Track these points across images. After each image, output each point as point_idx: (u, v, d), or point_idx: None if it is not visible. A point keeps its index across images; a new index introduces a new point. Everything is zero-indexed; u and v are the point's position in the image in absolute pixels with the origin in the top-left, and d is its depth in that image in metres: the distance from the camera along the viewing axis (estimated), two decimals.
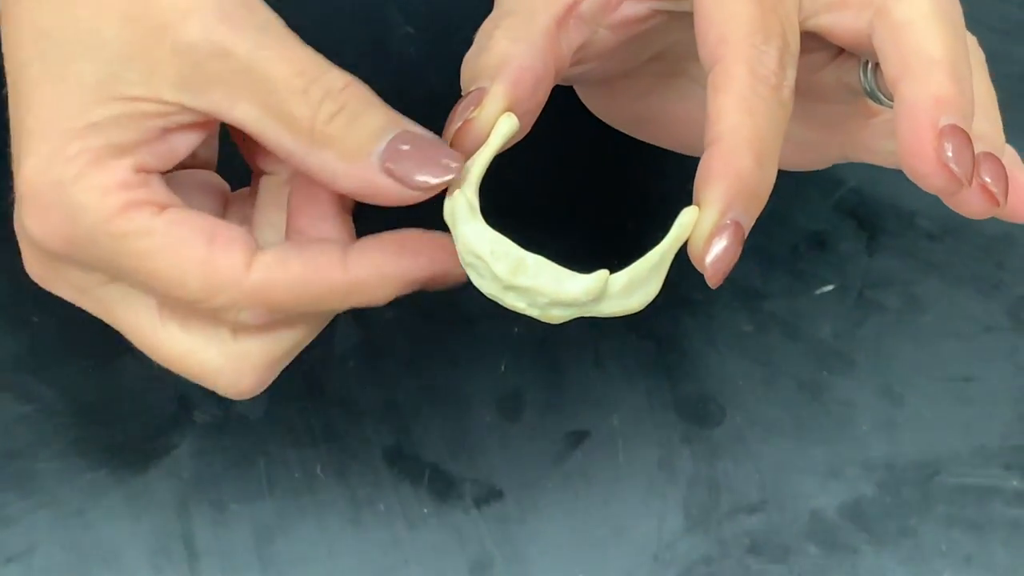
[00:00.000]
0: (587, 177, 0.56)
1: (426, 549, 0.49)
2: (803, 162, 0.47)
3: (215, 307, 0.39)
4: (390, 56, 0.56)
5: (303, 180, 0.41)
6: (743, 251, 0.55)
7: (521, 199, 0.55)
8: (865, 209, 0.57)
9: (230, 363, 0.40)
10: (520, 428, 0.52)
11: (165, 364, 0.41)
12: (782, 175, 0.54)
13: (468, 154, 0.40)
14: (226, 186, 0.43)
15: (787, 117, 0.39)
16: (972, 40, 0.43)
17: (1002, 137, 0.43)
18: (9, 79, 0.39)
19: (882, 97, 0.43)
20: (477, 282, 0.39)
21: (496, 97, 0.40)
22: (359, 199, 0.40)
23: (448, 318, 0.53)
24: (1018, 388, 0.54)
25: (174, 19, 0.37)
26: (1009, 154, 0.43)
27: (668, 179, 0.55)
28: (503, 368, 0.53)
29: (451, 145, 0.40)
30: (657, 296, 0.54)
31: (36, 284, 0.52)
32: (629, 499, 0.51)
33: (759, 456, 0.52)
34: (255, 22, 0.38)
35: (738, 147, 0.38)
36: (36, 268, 0.41)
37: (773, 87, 0.39)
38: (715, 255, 0.39)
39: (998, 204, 0.40)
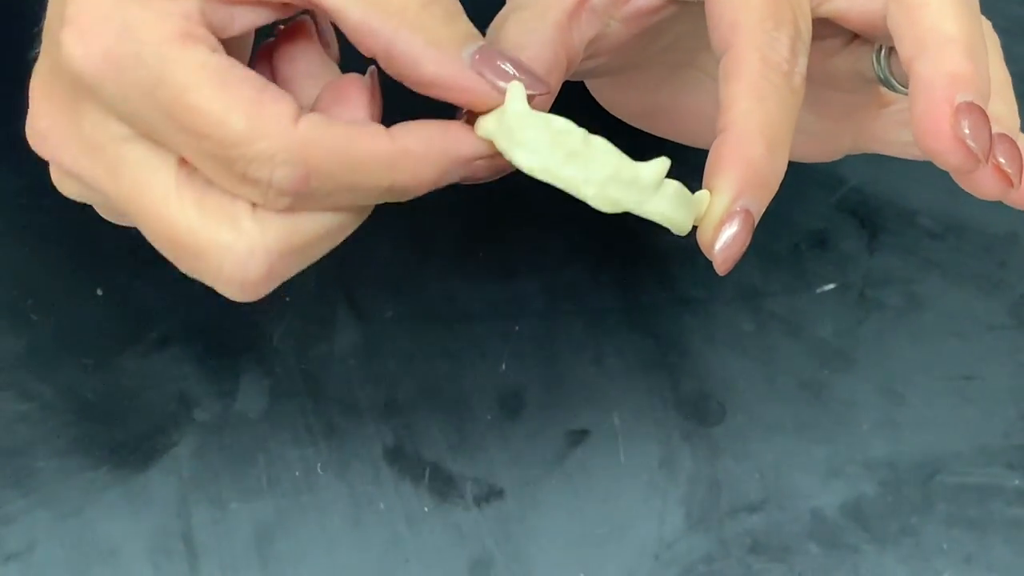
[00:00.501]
0: None
1: (426, 547, 0.49)
2: (814, 153, 0.47)
3: (253, 155, 0.36)
4: None
5: (330, 88, 0.39)
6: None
7: (521, 198, 0.55)
8: (866, 208, 0.57)
9: (242, 241, 0.37)
10: (520, 426, 0.52)
11: (169, 242, 0.38)
12: (784, 173, 0.54)
13: None
14: None
15: (799, 104, 0.39)
16: (987, 24, 0.43)
17: (1017, 120, 0.42)
18: None
19: (896, 84, 0.43)
20: (527, 160, 0.37)
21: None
22: (434, 91, 0.38)
23: (448, 316, 0.53)
24: (1020, 387, 0.54)
25: None
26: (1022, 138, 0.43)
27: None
28: (503, 367, 0.52)
29: None
30: (658, 294, 0.55)
31: (36, 282, 0.52)
32: (630, 498, 0.51)
33: (760, 455, 0.52)
34: None
35: (749, 134, 0.38)
36: (49, 113, 0.39)
37: (785, 74, 0.39)
38: (724, 242, 0.38)
39: (1012, 185, 0.40)
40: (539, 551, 0.50)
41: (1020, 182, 0.40)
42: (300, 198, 0.37)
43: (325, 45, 0.40)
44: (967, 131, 0.38)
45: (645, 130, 0.49)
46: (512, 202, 0.55)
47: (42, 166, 0.55)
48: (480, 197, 0.53)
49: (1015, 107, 0.43)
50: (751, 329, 0.54)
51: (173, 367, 0.51)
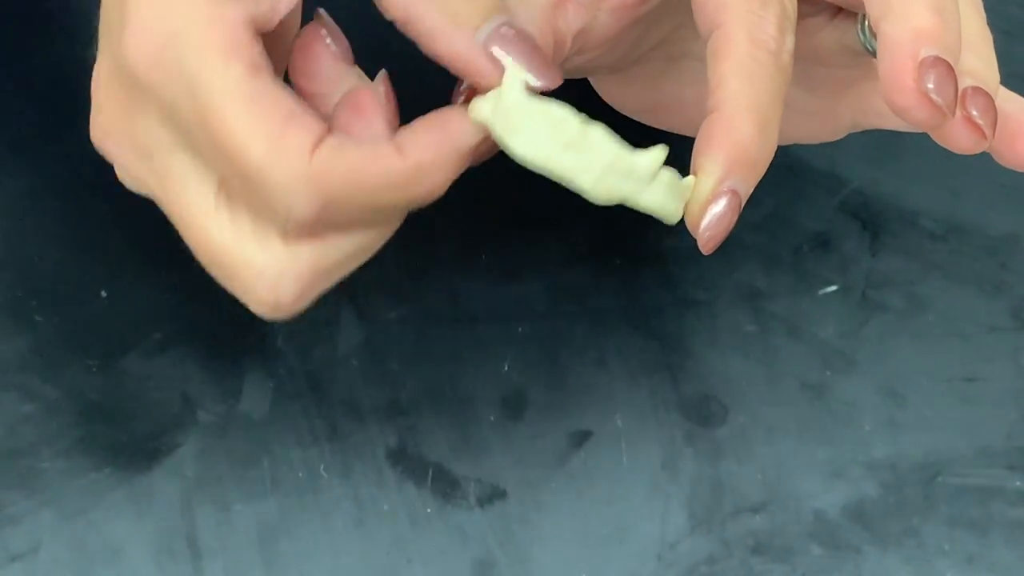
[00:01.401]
0: None
1: (429, 549, 0.49)
2: (816, 132, 0.47)
3: (271, 184, 0.36)
4: (392, 54, 0.56)
5: (345, 104, 0.39)
6: (746, 251, 0.55)
7: (523, 200, 0.55)
8: (868, 209, 0.57)
9: (274, 264, 0.38)
10: (523, 428, 0.52)
11: (206, 257, 0.39)
12: (786, 176, 0.54)
13: None
14: None
15: (787, 83, 0.39)
16: None
17: (995, 75, 0.42)
18: None
19: None
20: (522, 149, 0.38)
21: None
22: (444, 63, 0.39)
23: (451, 317, 0.53)
24: (1021, 388, 0.54)
25: None
26: (1015, 99, 0.43)
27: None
28: (506, 367, 0.53)
29: None
30: (660, 295, 0.55)
31: (40, 283, 0.52)
32: (632, 499, 0.51)
33: (762, 456, 0.52)
34: None
35: (738, 114, 0.38)
36: (107, 113, 0.39)
37: (772, 52, 0.39)
38: (709, 220, 0.39)
39: (985, 138, 0.40)
40: (542, 552, 0.50)
41: (993, 135, 0.40)
42: (321, 225, 0.37)
43: (340, 50, 0.40)
44: (931, 85, 0.38)
45: (651, 125, 0.49)
46: (515, 204, 0.55)
47: (45, 168, 0.55)
48: (483, 199, 0.53)
49: (994, 62, 0.42)
50: (753, 330, 0.54)
51: (177, 368, 0.52)
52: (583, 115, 0.38)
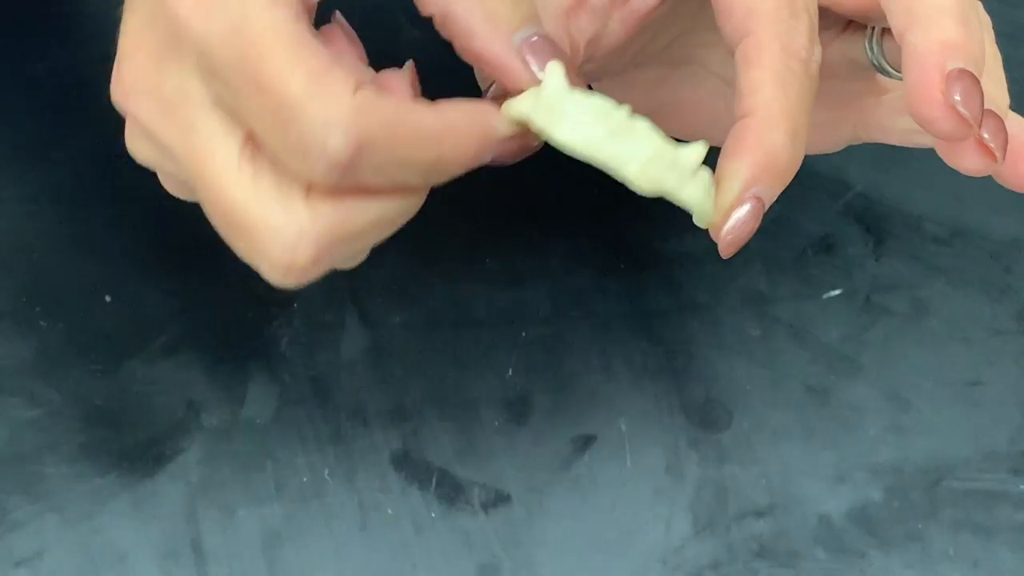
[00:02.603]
0: (588, 178, 0.56)
1: (434, 553, 0.49)
2: (816, 143, 0.47)
3: (309, 117, 0.36)
4: (398, 61, 0.56)
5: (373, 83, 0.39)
6: (750, 255, 0.55)
7: (527, 205, 0.55)
8: (872, 213, 0.57)
9: (293, 224, 0.37)
10: (528, 432, 0.52)
11: (223, 216, 0.38)
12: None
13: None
14: None
15: (815, 93, 0.39)
16: (978, 5, 0.43)
17: (1006, 98, 0.42)
18: None
19: (888, 68, 0.43)
20: (569, 136, 0.38)
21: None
22: (476, 63, 0.39)
23: (455, 322, 0.53)
24: None
25: None
26: (1016, 119, 0.43)
27: None
28: (510, 372, 0.53)
29: None
30: (664, 300, 0.55)
31: (44, 288, 0.52)
32: (637, 503, 0.51)
33: (767, 460, 0.52)
34: None
35: (771, 121, 0.38)
36: (134, 67, 0.39)
37: (804, 62, 0.39)
38: (732, 224, 0.39)
39: (995, 160, 0.40)
40: (546, 556, 0.50)
41: (1003, 158, 0.40)
42: (351, 171, 0.37)
43: (356, 52, 0.40)
44: (958, 97, 0.38)
45: None
46: (518, 209, 0.55)
47: (49, 173, 0.55)
48: (486, 203, 0.54)
49: (1004, 85, 0.43)
50: (757, 335, 0.54)
51: (181, 373, 0.52)
52: (627, 106, 0.38)
